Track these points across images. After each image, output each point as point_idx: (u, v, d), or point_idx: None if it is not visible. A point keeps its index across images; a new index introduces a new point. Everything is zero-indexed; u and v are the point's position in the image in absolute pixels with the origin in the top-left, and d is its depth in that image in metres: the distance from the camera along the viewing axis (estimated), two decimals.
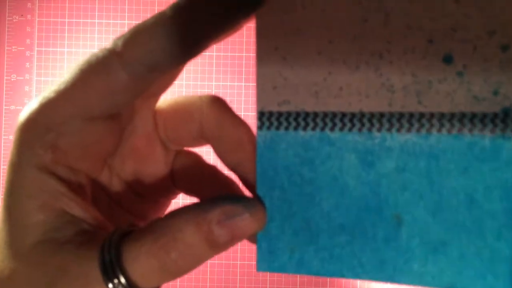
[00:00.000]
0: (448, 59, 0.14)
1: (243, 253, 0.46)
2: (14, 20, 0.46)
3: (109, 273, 0.15)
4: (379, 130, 0.15)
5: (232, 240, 0.16)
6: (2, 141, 0.46)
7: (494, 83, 0.14)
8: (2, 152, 0.46)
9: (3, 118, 0.46)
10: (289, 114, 0.16)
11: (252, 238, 0.18)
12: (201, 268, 0.47)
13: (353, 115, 0.15)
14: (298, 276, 0.45)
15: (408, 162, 0.15)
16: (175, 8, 0.16)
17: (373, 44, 0.15)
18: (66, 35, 0.46)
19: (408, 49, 0.14)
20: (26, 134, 0.16)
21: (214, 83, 0.45)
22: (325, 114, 0.16)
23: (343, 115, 0.15)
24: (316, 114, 0.16)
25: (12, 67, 0.46)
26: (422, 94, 0.15)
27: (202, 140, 0.19)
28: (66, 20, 0.46)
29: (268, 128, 0.16)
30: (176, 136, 0.19)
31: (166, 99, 0.19)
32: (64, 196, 0.16)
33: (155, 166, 0.19)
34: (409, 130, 0.15)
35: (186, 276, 0.45)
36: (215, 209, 0.15)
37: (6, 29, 0.46)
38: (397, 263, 0.15)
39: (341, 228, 0.16)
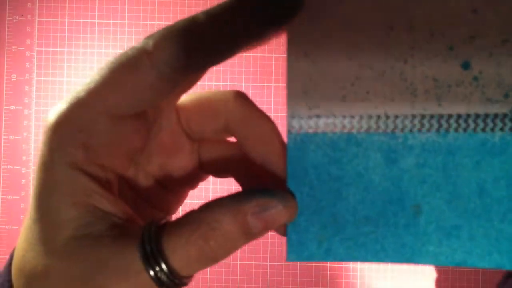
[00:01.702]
0: (466, 65, 0.16)
1: (243, 253, 0.46)
2: (14, 20, 0.46)
3: (151, 262, 0.16)
4: (402, 130, 0.17)
5: (265, 230, 0.17)
6: (2, 141, 0.46)
7: (506, 86, 0.16)
8: (2, 152, 0.46)
9: (3, 118, 0.46)
10: (318, 117, 0.17)
11: (281, 230, 0.19)
12: None
13: (378, 117, 0.17)
14: (298, 276, 0.45)
15: (428, 159, 0.17)
16: (208, 14, 0.16)
17: (398, 50, 0.16)
18: (66, 35, 0.46)
19: (431, 55, 0.16)
20: (58, 134, 0.17)
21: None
22: (352, 117, 0.17)
23: (369, 117, 0.17)
24: (344, 117, 0.17)
25: (12, 67, 0.46)
26: (442, 97, 0.16)
27: (226, 134, 0.19)
28: (66, 20, 0.46)
29: (298, 131, 0.17)
30: (201, 130, 0.20)
31: (189, 94, 0.20)
32: (95, 192, 0.17)
33: (182, 159, 0.20)
34: (429, 130, 0.17)
35: None
36: (251, 202, 0.16)
37: (6, 29, 0.46)
38: (416, 247, 0.17)
39: (366, 219, 0.18)
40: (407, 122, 0.17)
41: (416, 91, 0.16)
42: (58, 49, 0.46)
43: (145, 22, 0.46)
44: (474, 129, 0.16)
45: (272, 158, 0.18)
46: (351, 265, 0.45)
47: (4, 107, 0.46)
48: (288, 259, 0.19)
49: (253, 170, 0.19)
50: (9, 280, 0.18)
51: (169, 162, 0.20)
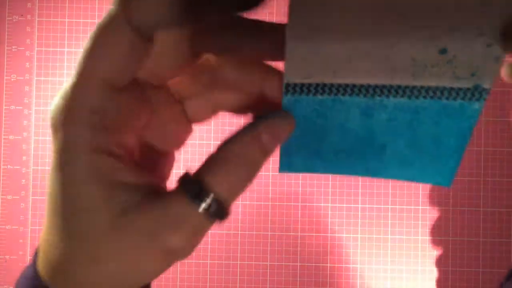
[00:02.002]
0: (443, 51, 0.19)
1: (243, 253, 0.46)
2: (14, 20, 0.46)
3: (199, 201, 0.18)
4: (380, 95, 0.21)
5: (276, 145, 0.20)
6: (2, 141, 0.46)
7: (474, 67, 0.19)
8: (2, 152, 0.46)
9: (3, 118, 0.46)
10: (310, 84, 0.21)
11: (277, 91, 0.21)
12: (201, 268, 0.46)
13: (361, 86, 0.21)
14: (298, 276, 0.45)
15: (397, 115, 0.22)
16: None
17: (386, 39, 0.19)
18: (66, 35, 0.46)
19: (414, 43, 0.19)
20: (68, 122, 0.17)
21: None
22: (339, 85, 0.21)
23: (354, 86, 0.21)
24: (332, 85, 0.21)
25: (12, 67, 0.46)
26: (417, 74, 0.20)
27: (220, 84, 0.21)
28: (66, 20, 0.46)
29: (292, 94, 0.21)
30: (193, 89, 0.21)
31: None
32: (119, 169, 0.18)
33: (171, 117, 0.21)
34: (402, 96, 0.21)
35: (186, 276, 0.45)
36: (261, 125, 0.20)
37: (6, 29, 0.46)
38: (377, 169, 0.23)
39: (342, 151, 0.23)
40: (385, 90, 0.21)
41: (396, 68, 0.20)
42: (58, 49, 0.46)
43: None
44: (440, 98, 0.21)
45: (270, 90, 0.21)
46: (351, 265, 0.45)
47: (4, 107, 0.46)
48: (280, 170, 0.24)
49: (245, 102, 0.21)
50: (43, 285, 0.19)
51: (160, 125, 0.21)
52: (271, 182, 0.45)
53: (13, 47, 0.46)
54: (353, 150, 0.23)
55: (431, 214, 0.45)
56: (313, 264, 0.45)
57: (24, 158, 0.46)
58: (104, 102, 0.17)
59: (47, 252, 0.19)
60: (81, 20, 0.46)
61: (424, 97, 0.21)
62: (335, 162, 0.24)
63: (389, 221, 0.45)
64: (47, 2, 0.46)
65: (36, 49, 0.46)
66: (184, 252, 0.18)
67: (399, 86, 0.21)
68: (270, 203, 0.45)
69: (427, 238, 0.45)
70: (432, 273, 0.45)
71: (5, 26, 0.46)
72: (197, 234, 0.19)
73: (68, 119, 0.17)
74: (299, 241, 0.45)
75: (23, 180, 0.46)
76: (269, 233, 0.45)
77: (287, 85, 0.21)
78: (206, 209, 0.18)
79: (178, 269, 0.45)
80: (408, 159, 0.23)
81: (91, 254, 0.17)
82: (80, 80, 0.17)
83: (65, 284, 0.18)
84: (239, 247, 0.45)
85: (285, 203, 0.45)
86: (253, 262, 0.45)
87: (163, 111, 0.20)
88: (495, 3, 0.17)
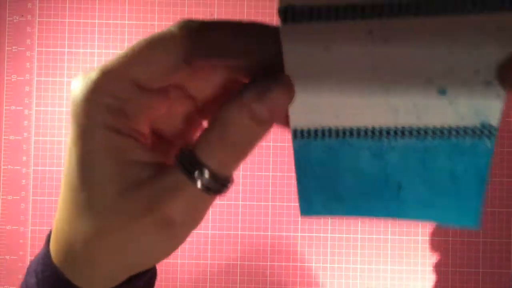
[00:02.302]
0: (442, 92, 0.20)
1: (243, 253, 0.46)
2: (15, 21, 0.46)
3: (194, 175, 0.18)
4: (387, 137, 0.21)
5: (271, 113, 0.19)
6: (3, 141, 0.46)
7: (475, 105, 0.20)
8: (2, 152, 0.46)
9: (4, 119, 0.46)
10: (316, 129, 0.21)
11: (284, 120, 0.20)
12: (201, 268, 0.46)
13: (366, 128, 0.21)
14: (298, 276, 0.45)
15: (408, 155, 0.21)
16: (219, 24, 0.18)
17: (383, 83, 0.20)
18: (66, 35, 0.46)
19: (411, 86, 0.19)
20: (92, 101, 0.18)
21: None
22: (344, 129, 0.21)
23: (359, 129, 0.21)
24: (337, 129, 0.21)
25: (12, 67, 0.46)
26: (421, 116, 0.20)
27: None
28: (66, 20, 0.46)
29: (301, 138, 0.21)
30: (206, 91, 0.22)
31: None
32: (132, 147, 0.19)
33: (181, 113, 0.22)
34: (409, 137, 0.21)
35: (186, 276, 0.45)
36: (251, 91, 0.18)
37: (7, 30, 0.46)
38: (398, 211, 0.23)
39: (359, 192, 0.23)
40: (391, 132, 0.21)
41: (398, 111, 0.20)
42: (58, 49, 0.46)
43: (145, 22, 0.46)
44: (449, 137, 0.21)
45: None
46: (351, 265, 0.45)
47: (4, 108, 0.46)
48: (302, 213, 0.23)
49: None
50: (51, 264, 0.20)
51: (172, 117, 0.22)
52: (271, 183, 0.45)
53: (14, 47, 0.46)
54: (369, 191, 0.23)
55: None
56: (313, 264, 0.45)
57: (24, 158, 0.46)
58: (129, 94, 0.19)
59: (57, 230, 0.20)
60: (81, 21, 0.46)
61: (432, 137, 0.21)
62: (354, 204, 0.23)
63: (389, 221, 0.45)
64: (48, 3, 0.46)
65: (36, 49, 0.46)
66: (184, 225, 0.19)
67: (404, 128, 0.21)
68: (270, 203, 0.45)
69: (427, 238, 0.45)
70: (432, 273, 0.45)
71: (6, 26, 0.46)
72: (196, 207, 0.19)
73: (92, 99, 0.18)
74: (299, 241, 0.45)
75: (23, 181, 0.46)
76: (269, 233, 0.45)
77: (295, 130, 0.21)
78: (201, 182, 0.18)
79: (178, 269, 0.45)
80: (428, 199, 0.23)
81: (96, 226, 0.18)
82: (113, 71, 0.18)
83: (71, 260, 0.20)
84: (239, 247, 0.46)
85: (285, 204, 0.45)
86: (253, 262, 0.45)
87: (176, 105, 0.21)
88: (488, 46, 0.18)
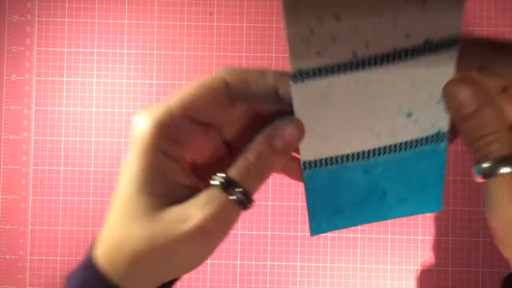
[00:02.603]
0: (409, 115, 0.26)
1: (243, 252, 0.46)
2: (14, 20, 0.46)
3: (230, 191, 0.23)
4: (373, 156, 0.28)
5: (287, 147, 0.24)
6: (2, 141, 0.46)
7: (432, 119, 0.26)
8: (2, 152, 0.46)
9: (3, 118, 0.46)
10: (320, 160, 0.27)
11: (297, 176, 0.27)
12: (201, 268, 0.47)
13: (358, 153, 0.27)
14: (298, 276, 0.45)
15: (389, 166, 0.28)
16: (260, 81, 0.24)
17: (368, 117, 0.26)
18: (66, 35, 0.46)
19: (388, 115, 0.26)
20: (153, 130, 0.23)
21: None
22: (342, 156, 0.27)
23: (352, 155, 0.27)
24: (336, 158, 0.27)
25: (12, 67, 0.46)
26: (396, 135, 0.27)
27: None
28: (66, 20, 0.46)
29: (309, 168, 0.27)
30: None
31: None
32: (179, 172, 0.24)
33: (214, 149, 0.27)
34: (389, 153, 0.28)
35: (186, 276, 0.45)
36: (272, 128, 0.24)
37: (6, 29, 0.46)
38: (384, 212, 0.30)
39: (354, 204, 0.29)
40: (375, 152, 0.28)
41: (380, 135, 0.27)
42: (58, 49, 0.46)
43: (145, 22, 0.46)
44: (416, 146, 0.28)
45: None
46: (351, 265, 0.45)
47: (4, 107, 0.46)
48: (312, 234, 0.30)
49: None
50: (97, 271, 0.23)
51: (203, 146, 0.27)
52: (270, 183, 0.45)
53: (13, 47, 0.46)
54: (362, 201, 0.29)
55: (431, 214, 0.45)
56: (313, 264, 0.45)
57: (24, 158, 0.46)
58: (182, 127, 0.24)
59: (108, 235, 0.23)
60: (81, 20, 0.46)
61: (405, 149, 0.28)
62: (352, 215, 0.30)
63: (389, 221, 0.45)
64: (47, 2, 0.46)
65: (36, 49, 0.46)
66: (218, 234, 0.23)
67: (385, 147, 0.28)
68: (270, 203, 0.45)
69: (427, 238, 0.45)
70: (432, 273, 0.45)
71: (5, 26, 0.46)
72: (229, 218, 0.24)
73: (153, 127, 0.23)
74: (299, 241, 0.45)
75: (23, 180, 0.46)
76: (269, 233, 0.45)
77: (304, 163, 0.27)
78: (236, 197, 0.23)
79: None
80: (404, 197, 0.30)
81: (147, 232, 0.22)
82: (172, 106, 0.23)
83: (120, 261, 0.23)
84: (239, 247, 0.46)
85: (285, 203, 0.45)
86: (253, 262, 0.45)
87: (211, 140, 0.26)
88: (437, 79, 0.25)
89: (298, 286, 0.45)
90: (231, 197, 0.23)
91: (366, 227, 0.45)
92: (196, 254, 0.24)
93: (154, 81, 0.46)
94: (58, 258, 0.46)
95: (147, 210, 0.23)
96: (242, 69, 0.24)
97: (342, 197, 0.29)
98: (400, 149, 0.28)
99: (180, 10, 0.46)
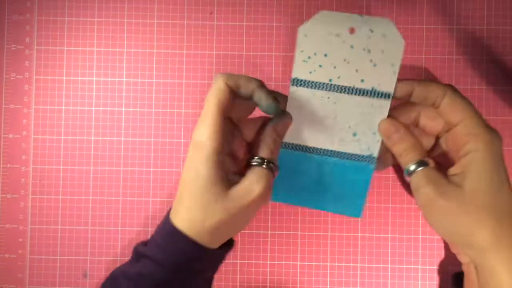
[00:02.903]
0: (355, 134, 0.39)
1: (243, 252, 0.45)
2: (14, 19, 0.46)
3: (263, 164, 0.36)
4: (326, 155, 0.40)
5: (285, 130, 0.39)
6: (2, 139, 0.46)
7: (368, 144, 0.39)
8: (2, 150, 0.46)
9: (3, 117, 0.46)
10: (293, 144, 0.40)
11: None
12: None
13: (317, 149, 0.40)
14: (298, 275, 0.45)
15: (334, 168, 0.40)
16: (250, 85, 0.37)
17: (329, 125, 0.39)
18: (65, 33, 0.46)
19: (341, 129, 0.39)
20: (217, 137, 0.34)
21: None
22: (306, 147, 0.40)
23: (314, 148, 0.40)
24: (302, 146, 0.40)
25: (11, 65, 0.46)
26: (344, 146, 0.39)
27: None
28: (66, 18, 0.46)
29: (284, 148, 0.40)
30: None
31: None
32: (231, 163, 0.37)
33: (240, 148, 0.39)
34: (337, 157, 0.39)
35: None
36: (275, 120, 0.38)
37: (6, 28, 0.46)
38: (323, 204, 0.41)
39: (305, 188, 0.40)
40: (328, 152, 0.39)
41: (334, 142, 0.39)
42: (57, 48, 0.46)
43: (145, 20, 0.46)
44: (355, 160, 0.39)
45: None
46: (351, 264, 0.45)
47: (3, 106, 0.46)
48: (272, 200, 0.41)
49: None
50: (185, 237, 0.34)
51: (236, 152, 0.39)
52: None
53: (13, 45, 0.46)
54: (311, 188, 0.40)
55: None
56: (313, 263, 0.45)
57: (23, 157, 0.46)
58: (225, 127, 0.35)
59: (191, 215, 0.34)
60: (81, 19, 0.46)
61: (348, 159, 0.40)
62: (300, 196, 0.41)
63: (390, 220, 0.45)
64: (47, 1, 0.46)
65: (35, 47, 0.46)
66: (267, 196, 0.36)
67: (336, 151, 0.39)
68: (269, 202, 0.45)
69: (427, 237, 0.45)
70: (432, 273, 0.45)
71: (5, 24, 0.46)
72: (271, 184, 0.36)
73: (210, 135, 0.34)
74: (299, 240, 0.45)
75: (23, 179, 0.46)
76: (269, 232, 0.45)
77: (283, 143, 0.40)
78: (269, 167, 0.36)
79: None
80: (338, 197, 0.40)
81: (225, 208, 0.34)
82: (214, 116, 0.35)
83: (204, 231, 0.34)
84: (239, 246, 0.45)
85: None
86: (253, 261, 0.45)
87: (240, 139, 0.39)
88: (374, 117, 0.39)
89: (298, 286, 0.45)
90: (269, 170, 0.36)
91: (366, 225, 0.45)
92: (255, 213, 0.36)
93: (154, 80, 0.46)
94: (58, 257, 0.46)
95: (220, 195, 0.34)
96: (237, 75, 0.35)
97: (298, 179, 0.40)
98: (344, 157, 0.40)
99: (180, 9, 0.46)
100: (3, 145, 0.46)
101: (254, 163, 0.35)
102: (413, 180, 0.36)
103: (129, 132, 0.46)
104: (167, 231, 0.35)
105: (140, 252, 0.36)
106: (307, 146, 0.39)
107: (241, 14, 0.46)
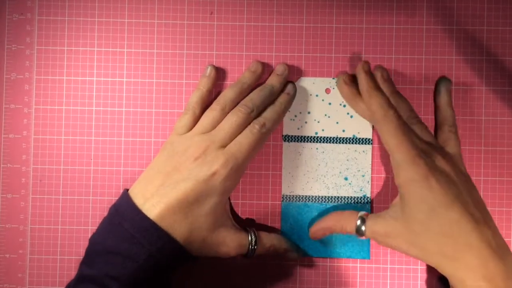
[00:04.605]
0: (346, 179, 0.44)
1: None
2: (14, 19, 0.46)
3: (251, 240, 0.41)
4: (324, 202, 0.44)
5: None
6: (2, 139, 0.46)
7: (360, 187, 0.44)
8: (2, 150, 0.46)
9: (3, 117, 0.46)
10: (292, 196, 0.45)
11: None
12: (202, 267, 0.46)
13: (315, 196, 0.44)
14: (298, 275, 0.45)
15: (331, 210, 0.44)
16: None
17: (323, 172, 0.45)
18: (66, 33, 0.46)
19: (333, 175, 0.44)
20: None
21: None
22: (306, 195, 0.45)
23: (311, 196, 0.44)
24: (303, 195, 0.45)
25: (11, 65, 0.46)
26: (338, 190, 0.44)
27: None
28: (66, 18, 0.46)
29: (285, 201, 0.45)
30: None
31: None
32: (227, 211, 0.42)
33: None
34: (333, 202, 0.44)
35: (185, 276, 0.45)
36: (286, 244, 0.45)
37: (6, 28, 0.46)
38: (331, 251, 0.45)
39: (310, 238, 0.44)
40: (325, 198, 0.44)
41: (329, 188, 0.44)
42: (57, 48, 0.46)
43: (145, 20, 0.46)
44: (350, 202, 0.44)
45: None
46: (350, 264, 0.45)
47: (4, 106, 0.46)
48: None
49: None
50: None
51: None
52: (270, 182, 0.45)
53: (13, 45, 0.46)
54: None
55: None
56: (314, 263, 0.45)
57: (23, 157, 0.46)
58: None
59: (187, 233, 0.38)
60: (81, 19, 0.46)
61: (343, 202, 0.44)
62: (310, 246, 0.44)
63: None
64: (47, 1, 0.46)
65: (36, 47, 0.46)
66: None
67: (332, 197, 0.44)
68: (270, 202, 0.45)
69: None
70: (432, 273, 0.45)
71: (5, 24, 0.46)
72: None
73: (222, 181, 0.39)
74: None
75: (23, 179, 0.46)
76: (269, 232, 0.45)
77: (283, 195, 0.45)
78: (250, 244, 0.42)
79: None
80: (344, 241, 0.44)
81: (209, 236, 0.39)
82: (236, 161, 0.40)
83: (198, 245, 0.39)
84: None
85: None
86: (253, 262, 0.45)
87: None
88: (363, 162, 0.45)
89: (298, 286, 0.45)
90: (249, 244, 0.41)
91: None
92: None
93: (154, 80, 0.46)
94: (58, 257, 0.46)
95: (211, 225, 0.39)
96: (274, 116, 0.42)
97: (302, 230, 0.44)
98: (341, 201, 0.44)
99: (180, 9, 0.46)
100: (4, 145, 0.46)
101: (248, 234, 0.42)
102: (368, 237, 0.40)
103: (129, 132, 0.46)
104: (149, 231, 0.37)
105: (111, 249, 0.37)
106: (306, 196, 0.44)
107: (241, 14, 0.46)
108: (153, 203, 0.36)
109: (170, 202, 0.36)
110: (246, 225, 0.44)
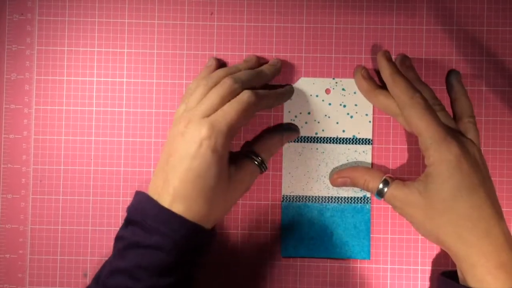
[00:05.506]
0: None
1: (244, 251, 0.46)
2: (14, 19, 0.46)
3: (256, 161, 0.41)
4: (325, 202, 0.45)
5: (287, 141, 0.45)
6: (2, 140, 0.46)
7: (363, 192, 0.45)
8: (2, 151, 0.46)
9: (3, 117, 0.46)
10: (293, 196, 0.45)
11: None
12: (203, 267, 0.46)
13: (316, 196, 0.45)
14: (298, 275, 0.45)
15: (334, 213, 0.45)
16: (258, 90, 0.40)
17: (324, 173, 0.45)
18: (66, 33, 0.46)
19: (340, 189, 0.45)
20: (226, 143, 0.37)
21: None
22: (306, 196, 0.45)
23: (312, 196, 0.45)
24: (303, 195, 0.45)
25: (12, 66, 0.46)
26: (339, 190, 0.45)
27: None
28: (66, 18, 0.46)
29: (286, 201, 0.45)
30: None
31: None
32: (229, 159, 0.39)
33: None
34: (334, 202, 0.45)
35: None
36: (283, 133, 0.44)
37: (6, 28, 0.46)
38: (331, 251, 0.45)
39: (311, 238, 0.45)
40: (326, 199, 0.44)
41: (330, 188, 0.44)
42: (58, 48, 0.46)
43: (145, 21, 0.46)
44: (351, 202, 0.44)
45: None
46: (351, 264, 0.45)
47: (4, 106, 0.46)
48: (282, 255, 0.45)
49: None
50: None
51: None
52: (271, 182, 0.45)
53: (13, 46, 0.46)
54: (317, 237, 0.44)
55: None
56: (314, 264, 0.45)
57: (24, 157, 0.46)
58: (233, 134, 0.39)
59: (193, 204, 0.37)
60: (81, 19, 0.46)
61: (344, 202, 0.44)
62: (310, 246, 0.44)
63: (389, 221, 0.45)
64: (47, 1, 0.46)
65: (36, 48, 0.46)
66: (244, 189, 0.41)
67: (333, 197, 0.44)
68: (270, 202, 0.45)
69: None
70: (432, 273, 0.45)
71: (5, 25, 0.46)
72: (253, 178, 0.41)
73: (220, 141, 0.37)
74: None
75: (23, 179, 0.46)
76: (269, 232, 0.45)
77: (283, 196, 0.45)
78: (261, 167, 0.41)
79: None
80: (345, 241, 0.44)
81: (226, 196, 0.38)
82: (231, 125, 0.37)
83: (204, 215, 0.37)
84: (238, 245, 0.45)
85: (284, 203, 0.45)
86: (253, 261, 0.45)
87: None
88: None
89: (298, 286, 0.45)
90: (258, 165, 0.41)
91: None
92: (236, 201, 0.41)
93: (154, 80, 0.46)
94: (58, 257, 0.46)
95: (224, 189, 0.37)
96: (263, 92, 0.40)
97: (302, 230, 0.44)
98: (341, 201, 0.44)
99: (181, 9, 0.46)
100: (4, 145, 0.46)
101: (252, 160, 0.41)
102: (386, 200, 0.40)
103: (129, 132, 0.46)
104: (169, 220, 0.35)
105: (140, 243, 0.36)
106: (306, 196, 0.44)
107: (241, 14, 0.46)
108: (165, 194, 0.36)
109: (176, 189, 0.36)
110: (244, 224, 0.44)
